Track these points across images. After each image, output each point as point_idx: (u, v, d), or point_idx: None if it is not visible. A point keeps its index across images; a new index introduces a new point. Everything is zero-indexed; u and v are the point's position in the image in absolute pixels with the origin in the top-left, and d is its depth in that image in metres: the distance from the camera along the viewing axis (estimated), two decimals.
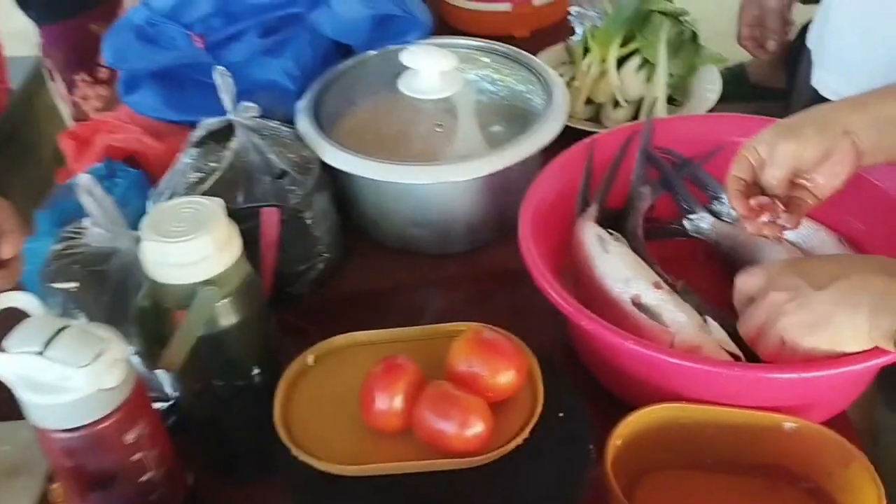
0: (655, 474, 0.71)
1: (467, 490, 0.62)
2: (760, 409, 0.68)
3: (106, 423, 0.55)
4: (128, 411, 0.56)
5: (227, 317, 0.64)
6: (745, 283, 0.70)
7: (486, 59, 1.04)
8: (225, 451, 0.73)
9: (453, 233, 0.93)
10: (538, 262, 0.73)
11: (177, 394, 0.72)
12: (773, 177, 0.72)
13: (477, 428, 0.62)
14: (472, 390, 0.64)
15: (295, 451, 0.63)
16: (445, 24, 1.32)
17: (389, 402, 0.63)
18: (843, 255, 0.79)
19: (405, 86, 0.95)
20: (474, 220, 0.93)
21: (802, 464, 0.69)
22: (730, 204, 0.75)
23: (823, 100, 1.10)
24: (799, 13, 1.46)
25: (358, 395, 0.65)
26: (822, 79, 1.10)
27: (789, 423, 0.68)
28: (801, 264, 0.69)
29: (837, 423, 0.73)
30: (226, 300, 0.64)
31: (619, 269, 0.76)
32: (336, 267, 0.93)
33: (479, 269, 0.95)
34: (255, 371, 0.68)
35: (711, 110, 1.14)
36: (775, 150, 0.71)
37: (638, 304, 0.73)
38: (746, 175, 0.73)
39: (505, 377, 0.64)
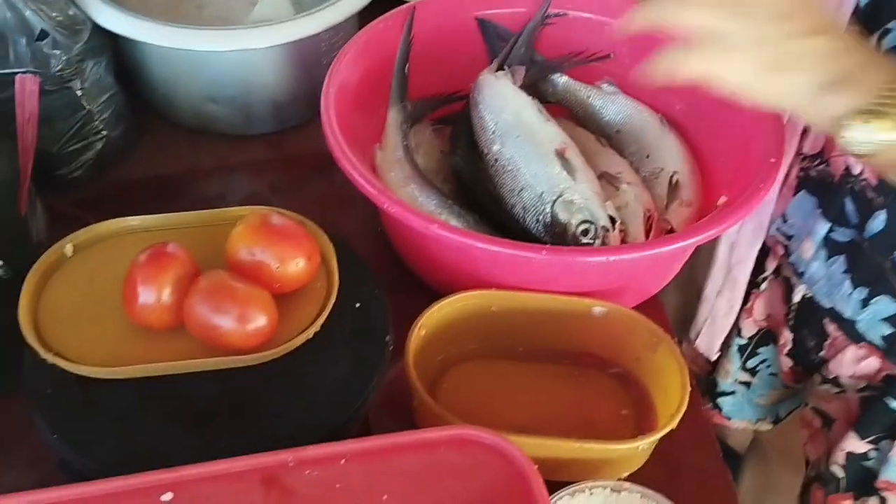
0: (463, 365, 0.67)
1: (249, 391, 0.55)
2: (571, 295, 0.65)
3: None
4: None
5: None
6: None
7: None
8: None
9: (257, 111, 0.83)
10: (338, 136, 0.66)
11: None
12: None
13: (258, 322, 0.54)
14: (256, 281, 0.56)
15: (43, 354, 0.54)
16: None
17: (157, 294, 0.55)
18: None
19: None
20: (280, 97, 0.83)
21: (611, 349, 0.67)
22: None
23: None
24: None
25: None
26: None
27: (598, 307, 0.65)
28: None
29: (649, 306, 0.72)
30: None
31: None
32: (120, 148, 0.81)
33: (287, 153, 0.86)
34: None
35: None
36: None
37: None
38: None
39: (293, 266, 0.57)
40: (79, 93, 0.74)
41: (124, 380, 0.54)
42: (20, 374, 0.57)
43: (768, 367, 0.84)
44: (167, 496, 0.47)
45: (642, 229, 0.67)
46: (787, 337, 0.79)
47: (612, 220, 0.66)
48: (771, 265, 0.79)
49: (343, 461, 0.49)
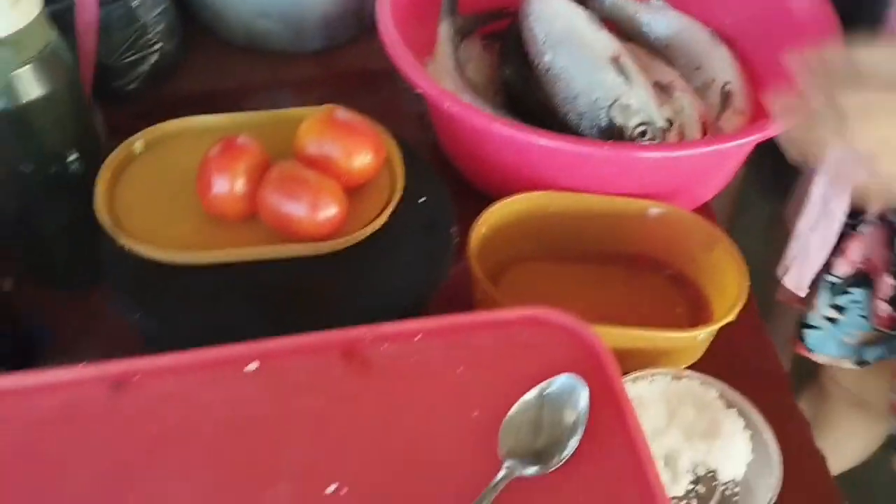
0: (520, 266, 0.68)
1: (319, 279, 0.57)
2: (628, 197, 0.66)
3: None
4: None
5: (29, 87, 0.54)
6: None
7: None
8: (43, 254, 0.64)
9: (307, 26, 0.84)
10: (395, 38, 0.66)
11: None
12: None
13: (329, 210, 0.56)
14: (325, 175, 0.57)
15: (121, 240, 0.55)
16: None
17: (230, 184, 0.56)
18: None
19: None
20: (330, 12, 0.83)
21: (665, 251, 0.68)
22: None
23: None
24: None
25: (195, 184, 0.58)
26: None
27: (655, 208, 0.66)
28: None
29: (701, 212, 0.72)
30: (25, 67, 0.53)
31: None
32: (173, 62, 0.82)
33: (337, 70, 0.87)
34: (72, 157, 0.59)
35: None
36: None
37: None
38: None
39: (361, 159, 0.58)
40: (134, 4, 0.75)
41: (200, 266, 0.56)
42: (93, 268, 0.59)
43: (860, 308, 0.83)
44: (253, 366, 0.48)
45: (699, 133, 0.68)
46: (887, 283, 0.77)
47: (670, 123, 0.66)
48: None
49: (418, 337, 0.50)
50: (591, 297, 0.67)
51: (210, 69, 0.85)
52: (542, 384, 0.46)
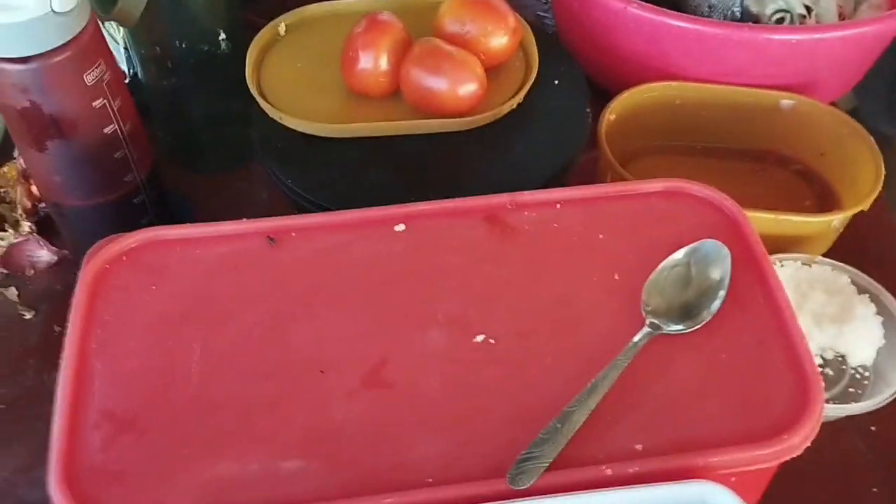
0: (645, 158, 0.69)
1: (458, 153, 0.58)
2: (759, 88, 0.65)
3: (62, 55, 0.49)
4: (86, 45, 0.50)
5: None
6: None
7: None
8: (190, 136, 0.68)
9: None
10: None
11: (134, 69, 0.66)
12: None
13: (470, 86, 0.57)
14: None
15: (273, 113, 0.58)
16: None
17: (374, 60, 0.58)
18: None
19: None
20: None
21: (795, 145, 0.68)
22: None
23: None
24: None
25: (338, 64, 0.60)
26: None
27: (787, 100, 0.65)
28: None
29: None
30: None
31: None
32: None
33: None
34: (222, 37, 0.62)
35: None
36: None
37: None
38: None
39: (498, 39, 0.59)
40: None
41: (346, 139, 0.58)
42: (235, 153, 0.62)
43: None
44: (400, 227, 0.51)
45: (836, 21, 0.67)
46: None
47: (808, 10, 0.65)
48: None
49: (559, 205, 0.52)
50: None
51: None
52: (691, 245, 0.47)
